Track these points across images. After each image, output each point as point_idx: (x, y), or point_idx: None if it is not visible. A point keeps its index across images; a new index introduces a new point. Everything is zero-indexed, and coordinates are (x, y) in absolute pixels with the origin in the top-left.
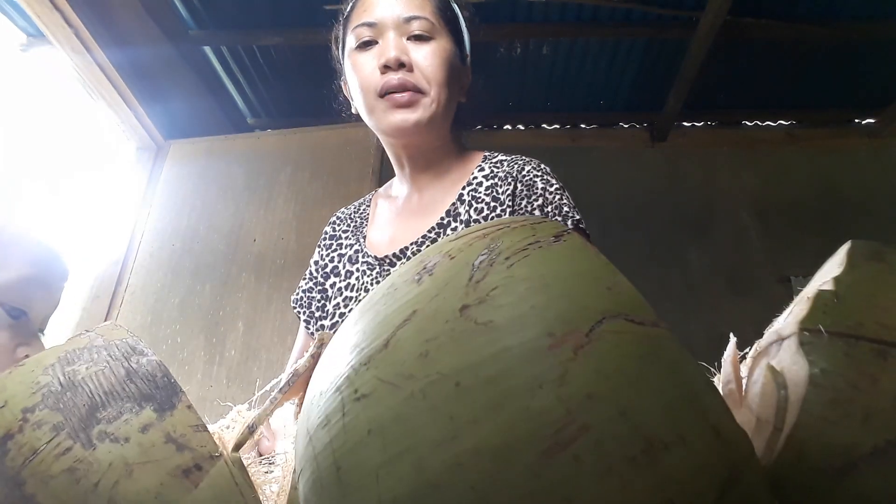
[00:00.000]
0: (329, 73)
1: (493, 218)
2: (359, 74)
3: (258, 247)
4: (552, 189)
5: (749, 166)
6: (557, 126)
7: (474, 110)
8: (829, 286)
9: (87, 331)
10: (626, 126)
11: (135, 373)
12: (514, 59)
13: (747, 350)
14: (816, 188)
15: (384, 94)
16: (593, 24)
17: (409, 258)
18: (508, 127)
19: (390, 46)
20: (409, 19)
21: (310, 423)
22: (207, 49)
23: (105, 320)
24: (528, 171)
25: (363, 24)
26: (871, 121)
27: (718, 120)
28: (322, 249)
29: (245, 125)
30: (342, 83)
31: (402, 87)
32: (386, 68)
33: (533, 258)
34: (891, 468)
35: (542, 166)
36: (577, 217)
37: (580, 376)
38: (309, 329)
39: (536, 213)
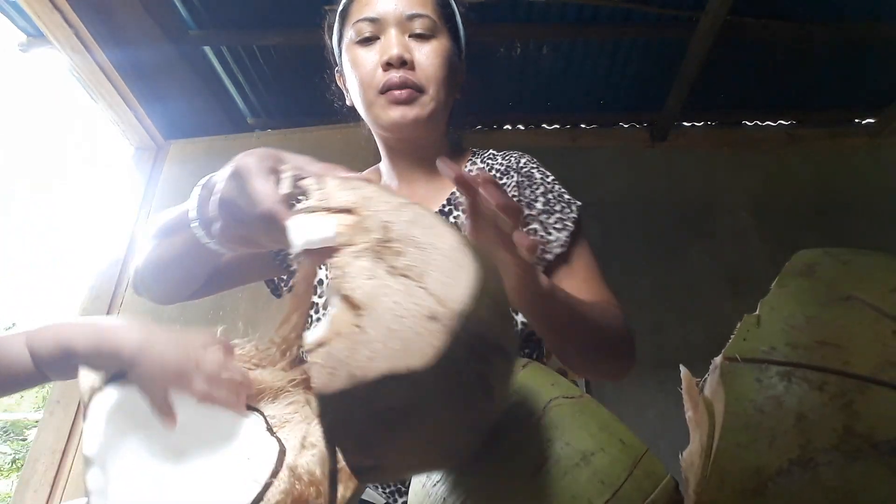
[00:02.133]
0: (330, 74)
1: None
2: (359, 70)
3: None
4: (549, 179)
5: (749, 166)
6: (557, 126)
7: (468, 107)
8: (757, 310)
9: None
10: (626, 126)
11: None
12: (514, 59)
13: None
14: (816, 188)
15: (385, 90)
16: (593, 24)
17: None
18: (508, 127)
19: (393, 44)
20: (411, 17)
21: None
22: (207, 49)
23: None
24: (524, 164)
25: (365, 20)
26: (871, 121)
27: (718, 120)
28: None
29: (245, 125)
30: (336, 74)
31: (403, 85)
32: (388, 66)
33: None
34: (795, 486)
35: (534, 159)
36: (578, 203)
37: (542, 432)
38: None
39: (540, 199)
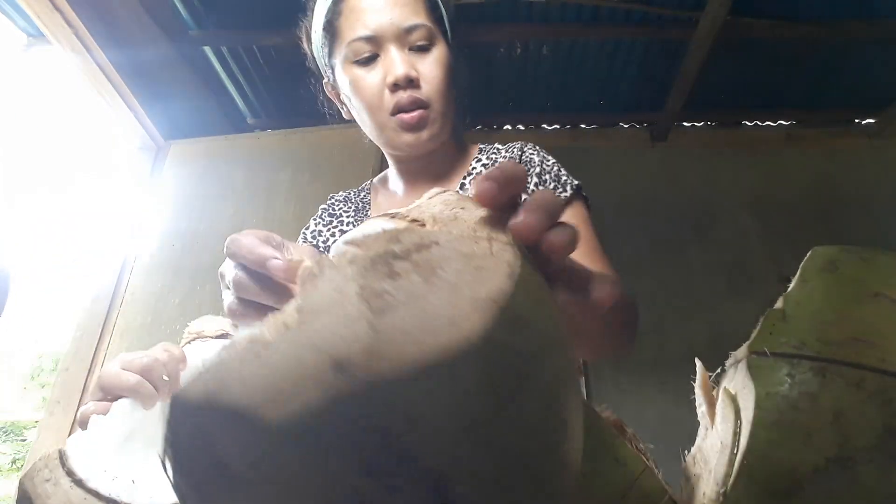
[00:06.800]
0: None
1: None
2: (363, 93)
3: None
4: (549, 162)
5: (749, 166)
6: (557, 126)
7: (468, 99)
8: (780, 304)
9: None
10: (626, 126)
11: None
12: (514, 59)
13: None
14: (816, 188)
15: (395, 112)
16: (593, 24)
17: None
18: (508, 127)
19: (397, 62)
20: (409, 29)
21: None
22: (207, 49)
23: (105, 320)
24: (526, 150)
25: (361, 39)
26: (871, 121)
27: (718, 120)
28: (320, 223)
29: (245, 125)
30: (326, 86)
31: (413, 106)
32: (395, 86)
33: None
34: (833, 486)
35: (537, 146)
36: (577, 182)
37: None
38: None
39: (534, 180)
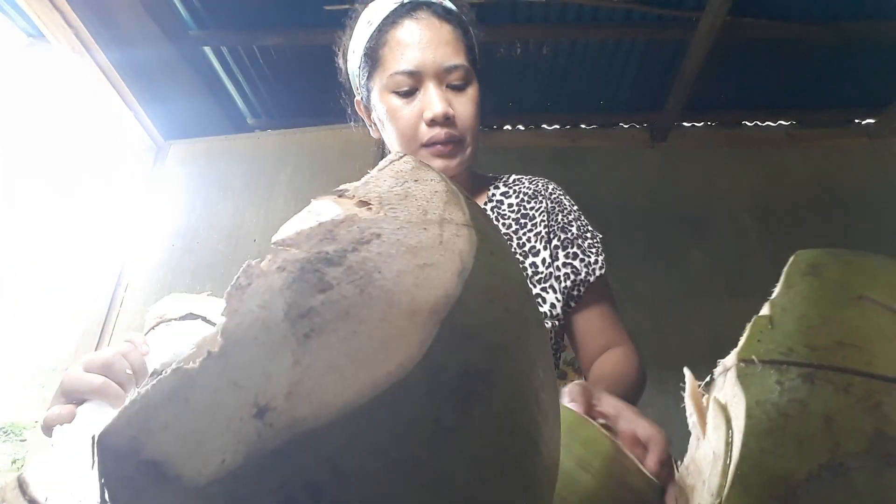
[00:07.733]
0: (329, 74)
1: (524, 234)
2: (399, 123)
3: (258, 247)
4: (576, 208)
5: (749, 166)
6: (557, 126)
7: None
8: (766, 310)
9: None
10: (626, 126)
11: None
12: (514, 59)
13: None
14: (816, 188)
15: (429, 144)
16: (593, 24)
17: None
18: (508, 127)
19: (436, 99)
20: (449, 69)
21: None
22: (207, 49)
23: (105, 320)
24: (552, 190)
25: (403, 73)
26: (871, 121)
27: (718, 120)
28: None
29: (245, 125)
30: (357, 104)
31: (448, 141)
32: (432, 122)
33: None
34: (827, 492)
35: (559, 186)
36: (600, 236)
37: None
38: None
39: (574, 224)
